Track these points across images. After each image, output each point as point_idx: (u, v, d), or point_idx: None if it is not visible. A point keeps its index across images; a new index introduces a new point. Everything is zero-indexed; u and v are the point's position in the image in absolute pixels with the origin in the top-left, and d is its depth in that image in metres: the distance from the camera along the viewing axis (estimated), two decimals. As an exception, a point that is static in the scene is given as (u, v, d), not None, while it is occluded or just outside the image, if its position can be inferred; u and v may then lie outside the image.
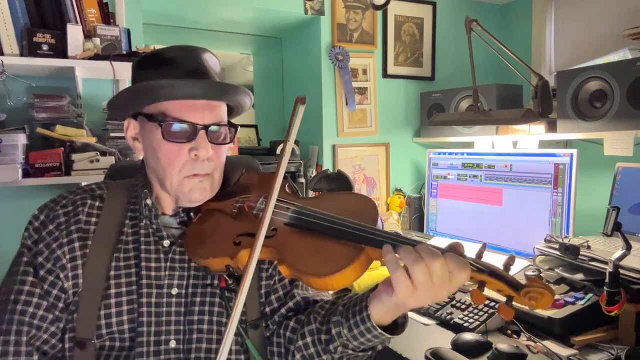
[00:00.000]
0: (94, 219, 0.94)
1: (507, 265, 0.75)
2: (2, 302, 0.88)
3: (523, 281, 0.73)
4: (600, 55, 2.37)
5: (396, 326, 0.85)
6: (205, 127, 0.89)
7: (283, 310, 0.98)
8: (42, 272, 0.89)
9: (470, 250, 0.76)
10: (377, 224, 0.83)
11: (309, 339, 0.90)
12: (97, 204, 0.96)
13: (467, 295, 1.52)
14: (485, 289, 0.74)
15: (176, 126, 0.87)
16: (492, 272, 0.73)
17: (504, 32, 2.89)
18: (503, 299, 0.74)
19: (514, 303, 0.72)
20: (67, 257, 0.89)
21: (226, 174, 1.00)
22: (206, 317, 0.92)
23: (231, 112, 1.00)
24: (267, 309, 0.98)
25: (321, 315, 0.92)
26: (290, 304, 0.98)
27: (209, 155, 0.90)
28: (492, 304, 1.42)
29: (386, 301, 0.79)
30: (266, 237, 0.79)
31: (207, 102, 0.89)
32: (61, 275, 0.88)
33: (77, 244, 0.91)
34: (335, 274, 0.75)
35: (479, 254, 0.76)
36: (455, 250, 0.76)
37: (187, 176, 0.90)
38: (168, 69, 0.89)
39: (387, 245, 0.75)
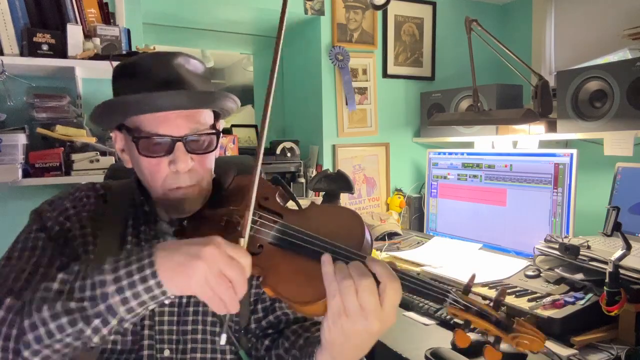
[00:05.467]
0: (100, 218, 0.93)
1: (498, 301, 0.69)
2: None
3: (513, 323, 0.66)
4: (600, 55, 2.37)
5: None
6: (182, 139, 0.83)
7: (264, 323, 0.97)
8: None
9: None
10: (366, 240, 0.77)
11: None
12: (101, 203, 0.95)
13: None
14: (471, 327, 0.68)
15: (151, 140, 0.82)
16: (479, 312, 0.67)
17: (504, 32, 2.89)
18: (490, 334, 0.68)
19: (501, 345, 0.66)
20: (81, 249, 0.88)
21: (219, 178, 0.96)
22: (200, 327, 0.91)
23: (217, 115, 0.94)
24: (252, 317, 0.97)
25: (290, 341, 0.91)
26: (271, 317, 0.97)
27: (190, 167, 0.84)
28: (489, 302, 1.42)
29: (325, 338, 0.71)
30: (253, 254, 0.74)
31: (180, 112, 0.83)
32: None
33: (90, 238, 0.89)
34: (318, 301, 0.70)
35: (467, 289, 0.71)
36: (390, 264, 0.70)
37: (171, 189, 0.85)
38: (139, 81, 0.84)
39: (326, 255, 0.70)
